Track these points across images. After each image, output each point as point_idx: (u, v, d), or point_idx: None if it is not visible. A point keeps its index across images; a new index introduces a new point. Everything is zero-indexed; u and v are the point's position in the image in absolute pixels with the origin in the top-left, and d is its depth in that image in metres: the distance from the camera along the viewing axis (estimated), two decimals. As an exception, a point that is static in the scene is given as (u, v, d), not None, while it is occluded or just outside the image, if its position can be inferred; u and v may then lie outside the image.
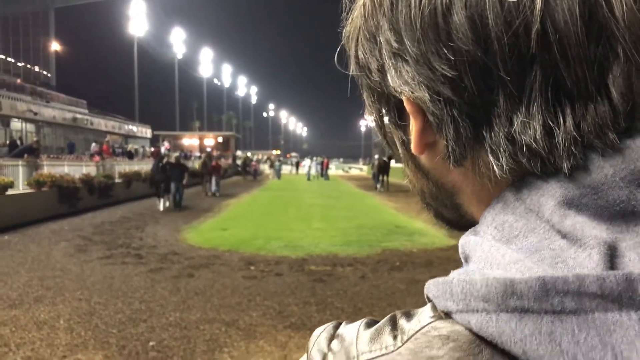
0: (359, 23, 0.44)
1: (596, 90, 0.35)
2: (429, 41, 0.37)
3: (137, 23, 61.94)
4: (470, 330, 0.34)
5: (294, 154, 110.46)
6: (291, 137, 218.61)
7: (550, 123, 0.35)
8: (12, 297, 6.70)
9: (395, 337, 0.38)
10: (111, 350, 5.02)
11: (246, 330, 5.59)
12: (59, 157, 24.52)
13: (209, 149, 61.74)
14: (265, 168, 54.35)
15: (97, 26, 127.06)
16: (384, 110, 0.46)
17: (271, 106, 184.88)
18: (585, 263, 0.33)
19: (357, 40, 0.45)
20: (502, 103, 0.36)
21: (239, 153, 54.42)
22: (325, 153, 62.88)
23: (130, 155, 33.82)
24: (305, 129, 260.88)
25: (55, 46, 77.92)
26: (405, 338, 0.37)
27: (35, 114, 42.64)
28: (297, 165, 58.95)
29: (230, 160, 48.00)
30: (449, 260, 9.05)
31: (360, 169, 72.44)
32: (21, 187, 15.40)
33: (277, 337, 5.35)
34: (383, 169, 27.82)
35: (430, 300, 0.38)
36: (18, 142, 27.12)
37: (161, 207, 17.29)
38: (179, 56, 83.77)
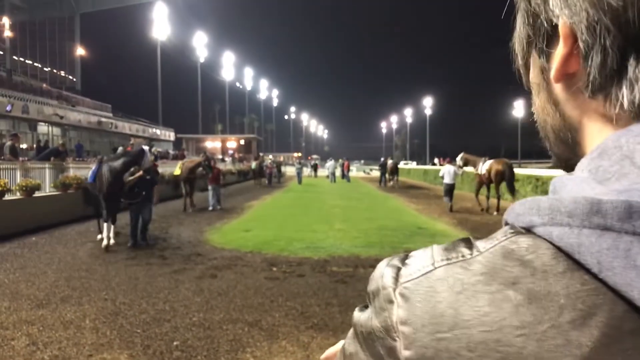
0: None
1: None
2: None
3: (160, 27, 62.57)
4: (551, 242, 0.36)
5: (315, 156, 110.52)
6: (312, 140, 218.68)
7: None
8: (40, 297, 6.82)
9: (470, 248, 0.40)
10: (136, 350, 5.08)
11: (269, 330, 5.62)
12: (85, 160, 24.85)
13: (231, 152, 61.60)
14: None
15: (121, 31, 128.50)
16: (532, 35, 0.47)
17: (292, 109, 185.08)
18: None
19: None
20: None
21: (264, 156, 53.96)
22: (346, 155, 62.83)
23: (155, 158, 34.03)
24: (327, 131, 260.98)
25: (80, 51, 78.95)
26: (482, 249, 0.39)
27: (61, 117, 43.48)
28: (316, 168, 57.46)
29: (252, 163, 47.93)
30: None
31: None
32: (48, 190, 15.63)
33: (299, 338, 5.37)
34: (392, 170, 36.69)
35: (507, 225, 0.41)
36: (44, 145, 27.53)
37: (106, 241, 10.21)
38: (202, 60, 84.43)
